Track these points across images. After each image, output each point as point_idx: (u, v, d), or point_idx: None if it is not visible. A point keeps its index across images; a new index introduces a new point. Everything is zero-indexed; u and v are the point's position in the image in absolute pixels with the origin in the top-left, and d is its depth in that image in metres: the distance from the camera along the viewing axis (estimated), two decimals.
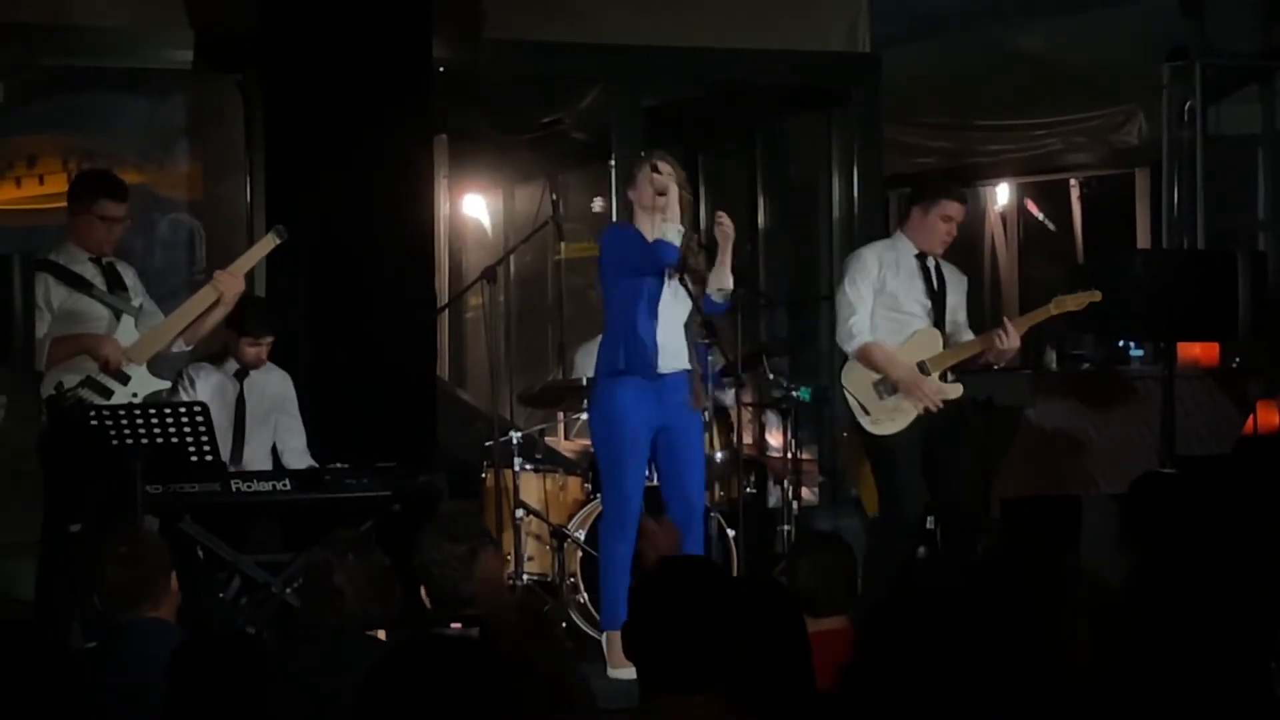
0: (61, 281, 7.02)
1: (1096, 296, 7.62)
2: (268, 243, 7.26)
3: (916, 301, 7.59)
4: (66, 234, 7.19)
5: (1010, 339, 7.48)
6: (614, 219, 7.16)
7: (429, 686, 2.79)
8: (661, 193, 6.95)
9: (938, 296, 7.63)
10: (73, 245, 7.15)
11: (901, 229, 7.77)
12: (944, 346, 7.58)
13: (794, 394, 9.04)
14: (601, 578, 7.06)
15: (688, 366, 7.05)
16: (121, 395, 6.94)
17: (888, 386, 7.50)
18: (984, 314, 10.93)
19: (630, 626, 3.45)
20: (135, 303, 7.18)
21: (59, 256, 7.09)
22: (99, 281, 7.11)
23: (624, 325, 6.96)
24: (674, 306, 7.02)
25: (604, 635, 7.06)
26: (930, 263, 7.65)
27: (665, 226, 6.89)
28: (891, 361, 7.50)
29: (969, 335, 7.68)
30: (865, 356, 7.55)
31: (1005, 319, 7.60)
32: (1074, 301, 7.63)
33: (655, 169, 6.99)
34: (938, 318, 7.61)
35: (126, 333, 7.07)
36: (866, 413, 7.54)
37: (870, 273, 7.59)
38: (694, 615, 3.39)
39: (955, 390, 7.57)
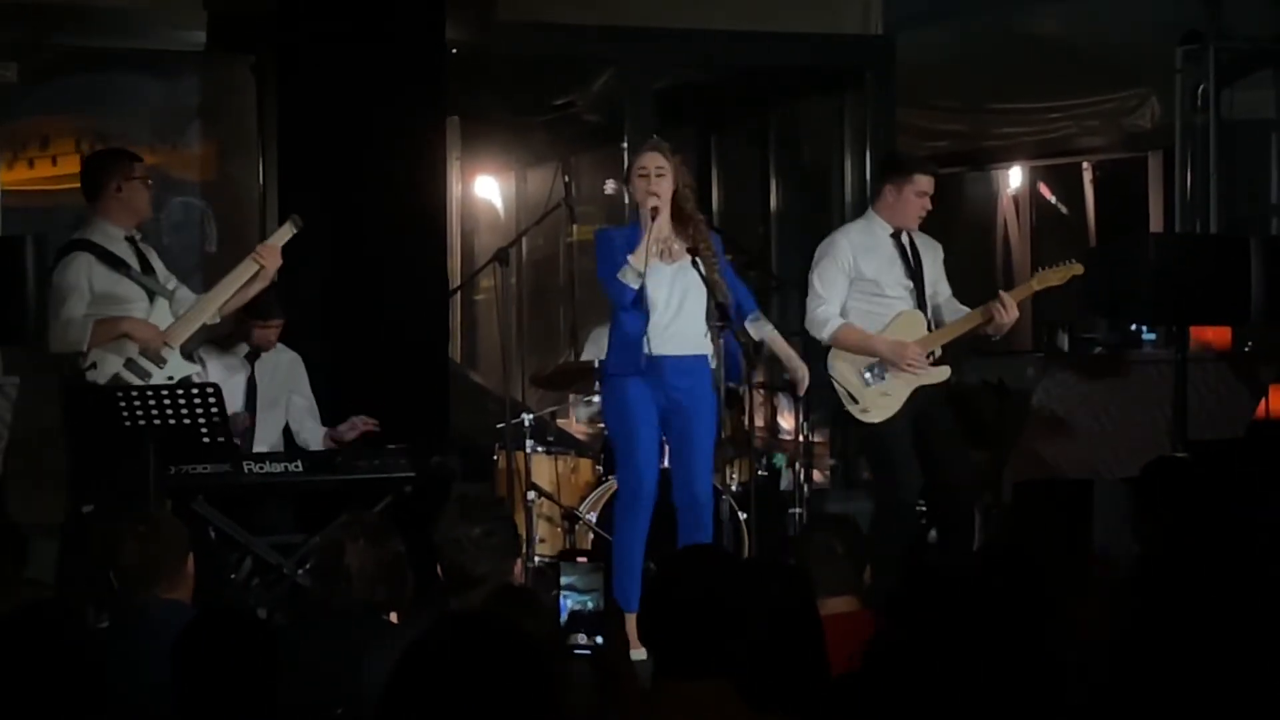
0: (101, 261, 6.99)
1: (1079, 269, 7.59)
2: (286, 231, 7.20)
3: (898, 284, 7.53)
4: (103, 213, 7.08)
5: (1009, 310, 7.42)
6: (626, 202, 7.12)
7: (464, 666, 2.78)
8: (646, 201, 6.87)
9: (917, 275, 7.58)
10: (107, 223, 7.06)
11: (873, 207, 7.71)
12: (928, 328, 7.55)
13: None
14: (615, 559, 7.05)
15: (702, 351, 7.02)
16: (158, 378, 6.94)
17: (875, 373, 7.47)
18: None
19: (643, 612, 3.46)
20: (169, 286, 7.18)
21: (94, 235, 7.02)
22: (133, 262, 7.09)
23: (615, 325, 7.00)
24: (679, 291, 6.97)
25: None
26: (905, 239, 7.60)
27: (625, 269, 6.83)
28: (869, 339, 7.47)
29: (956, 307, 7.63)
30: (842, 341, 7.51)
31: (1001, 292, 7.54)
32: (1056, 275, 7.59)
33: (641, 170, 6.92)
34: (919, 298, 7.57)
35: (160, 314, 7.06)
36: (855, 401, 7.50)
37: (840, 260, 7.53)
38: (702, 604, 3.40)
39: (942, 374, 7.53)
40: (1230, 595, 3.42)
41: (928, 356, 7.50)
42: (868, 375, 7.47)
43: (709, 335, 6.94)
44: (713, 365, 7.01)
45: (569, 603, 3.68)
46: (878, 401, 7.47)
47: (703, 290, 6.93)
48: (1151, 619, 3.25)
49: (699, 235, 6.97)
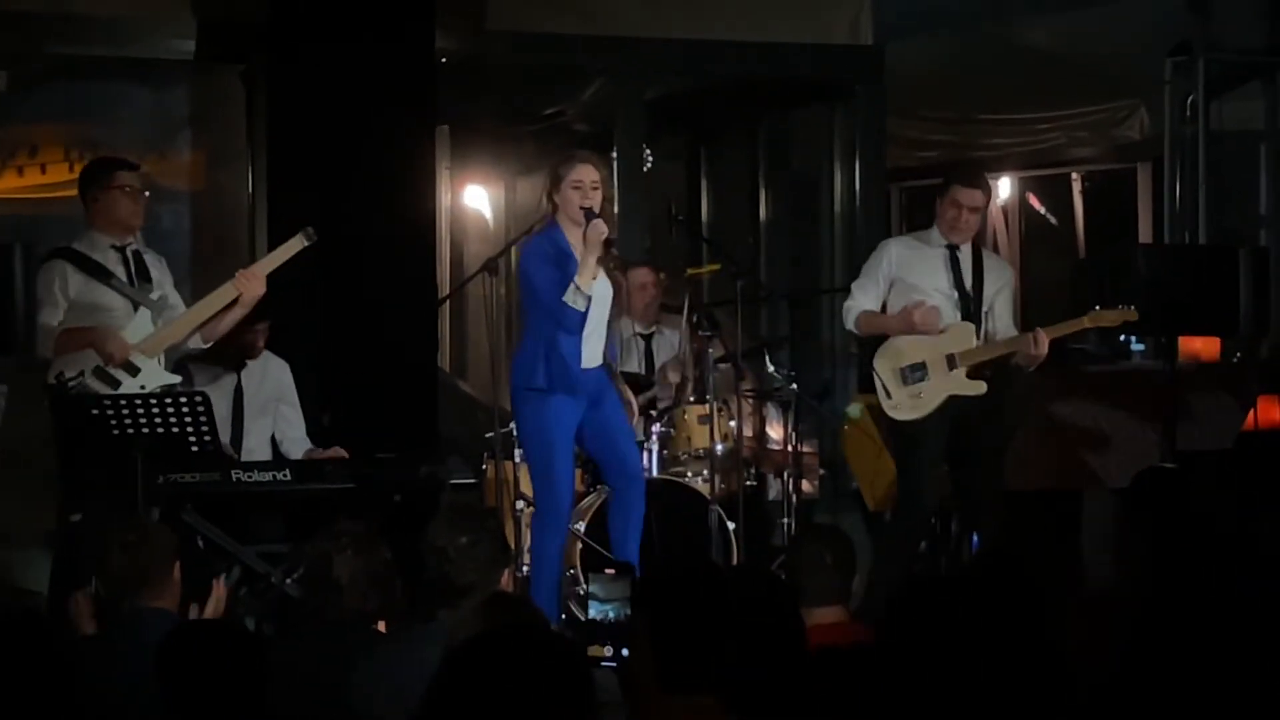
0: (80, 270, 6.98)
1: (1133, 316, 7.60)
2: (296, 243, 7.16)
3: (937, 291, 7.60)
4: (89, 222, 7.09)
5: (1039, 346, 7.47)
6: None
7: (507, 678, 2.76)
8: (586, 209, 6.79)
9: (967, 287, 7.62)
10: (95, 233, 7.07)
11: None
12: (978, 340, 7.58)
13: (793, 386, 9.05)
14: (534, 574, 7.03)
15: (603, 361, 7.00)
16: (129, 387, 6.92)
17: (913, 374, 7.53)
18: None
19: (636, 625, 3.44)
20: (155, 295, 7.14)
21: (81, 245, 7.03)
22: (120, 271, 7.06)
23: (545, 342, 6.88)
24: (598, 304, 6.91)
25: None
26: (963, 254, 7.65)
27: (574, 293, 6.76)
28: (881, 318, 7.59)
29: (1011, 331, 7.68)
30: (865, 326, 7.66)
31: (1037, 328, 7.59)
32: (1111, 317, 7.62)
33: (576, 183, 6.85)
34: (968, 309, 7.61)
35: (141, 324, 7.03)
36: (889, 396, 7.59)
37: (882, 266, 7.66)
38: (686, 619, 3.39)
39: (977, 388, 7.55)
40: (1219, 608, 3.42)
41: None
42: (906, 374, 7.53)
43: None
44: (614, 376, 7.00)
45: (593, 611, 3.68)
46: (909, 401, 7.53)
47: (605, 304, 6.92)
48: (1140, 633, 3.25)
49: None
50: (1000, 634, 3.13)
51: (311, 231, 7.09)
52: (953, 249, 7.65)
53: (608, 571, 3.77)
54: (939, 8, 10.77)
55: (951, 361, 7.54)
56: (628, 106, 10.22)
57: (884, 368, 7.63)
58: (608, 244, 6.79)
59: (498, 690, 2.73)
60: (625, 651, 3.54)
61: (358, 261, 8.44)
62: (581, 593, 7.89)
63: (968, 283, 7.63)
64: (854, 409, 9.20)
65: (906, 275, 7.62)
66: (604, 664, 3.62)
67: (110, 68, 9.62)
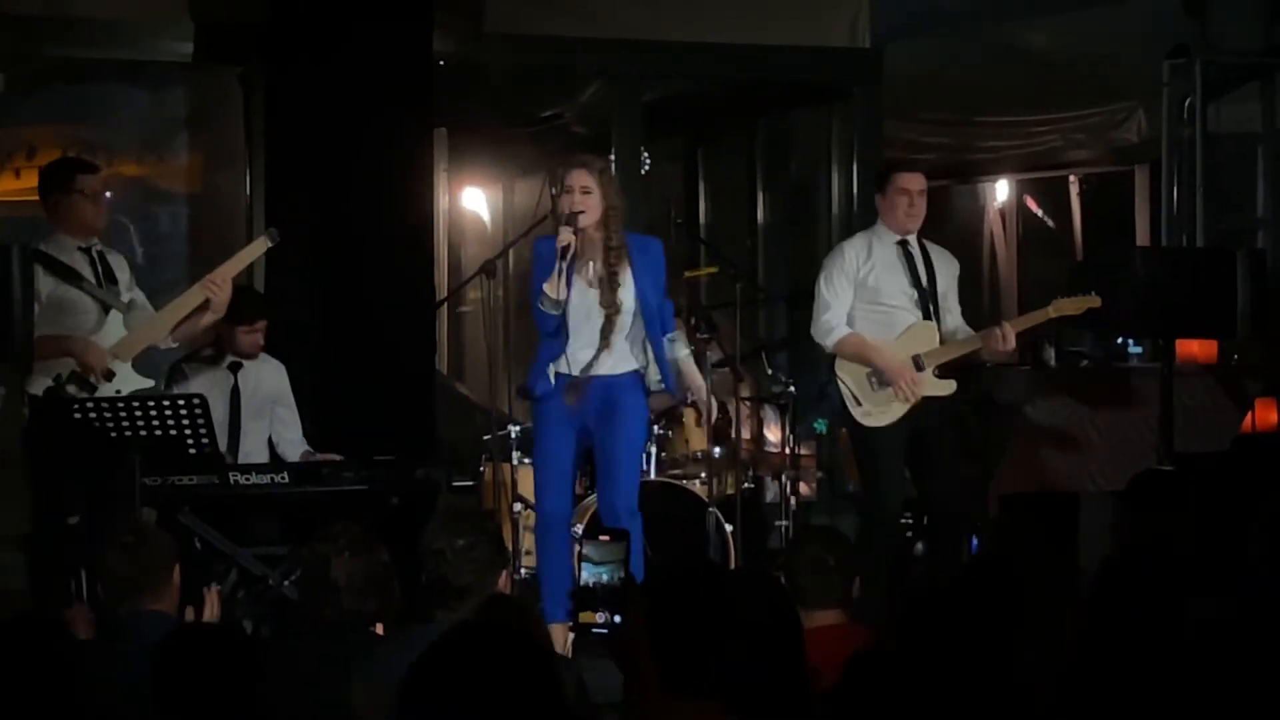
0: (50, 272, 6.98)
1: (1096, 302, 7.60)
2: (259, 245, 7.18)
3: (901, 292, 7.57)
4: (53, 226, 7.12)
5: (1007, 341, 7.46)
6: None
7: (474, 677, 2.76)
8: (571, 214, 6.71)
9: (924, 284, 7.59)
10: (61, 235, 7.09)
11: (879, 219, 7.74)
12: (940, 339, 7.56)
13: (791, 389, 9.06)
14: (542, 575, 7.03)
15: (630, 368, 6.89)
16: (105, 392, 6.91)
17: (881, 379, 7.49)
18: (983, 310, 10.94)
19: (624, 627, 3.43)
20: (125, 298, 7.14)
21: (48, 247, 7.04)
22: (88, 273, 7.07)
23: (537, 350, 6.95)
24: (597, 313, 6.87)
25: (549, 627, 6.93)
26: (914, 249, 7.62)
27: (544, 298, 6.75)
28: (872, 349, 7.49)
29: (964, 326, 7.66)
30: (845, 349, 7.54)
31: (1003, 321, 7.58)
32: (1073, 305, 7.61)
33: (567, 188, 6.76)
34: (926, 308, 7.58)
35: (114, 327, 7.03)
36: (859, 403, 7.53)
37: (846, 267, 7.58)
38: (689, 621, 3.38)
39: (947, 387, 7.55)
40: (1214, 608, 3.43)
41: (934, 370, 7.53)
42: (874, 380, 7.49)
43: (639, 351, 6.89)
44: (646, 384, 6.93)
45: (585, 575, 3.64)
46: (881, 407, 7.49)
47: (629, 309, 6.85)
48: (1134, 634, 3.26)
49: (616, 259, 6.82)
50: (985, 640, 3.14)
51: (275, 233, 7.13)
52: (903, 244, 7.62)
53: (602, 538, 3.74)
54: (937, 10, 10.77)
55: (918, 363, 7.52)
56: (626, 109, 10.21)
57: (850, 374, 7.55)
58: (564, 251, 6.68)
59: (456, 693, 2.74)
60: (618, 618, 3.51)
61: (355, 264, 8.44)
62: None
63: (923, 279, 7.60)
64: None
65: (867, 277, 7.57)
66: (595, 630, 3.57)
67: (108, 70, 9.62)
